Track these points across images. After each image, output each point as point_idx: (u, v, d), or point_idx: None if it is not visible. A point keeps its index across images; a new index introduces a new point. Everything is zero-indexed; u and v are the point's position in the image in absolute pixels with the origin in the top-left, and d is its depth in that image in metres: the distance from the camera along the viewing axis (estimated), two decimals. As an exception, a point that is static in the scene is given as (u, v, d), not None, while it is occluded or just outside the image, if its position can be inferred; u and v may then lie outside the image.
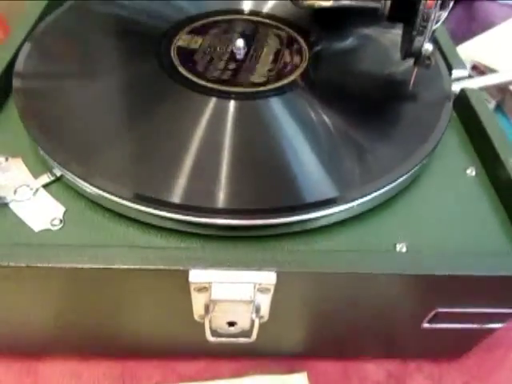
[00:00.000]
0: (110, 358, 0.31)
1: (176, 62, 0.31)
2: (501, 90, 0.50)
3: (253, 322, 0.24)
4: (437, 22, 0.27)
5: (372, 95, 0.31)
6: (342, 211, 0.24)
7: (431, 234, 0.25)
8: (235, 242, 0.24)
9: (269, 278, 0.22)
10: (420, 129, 0.29)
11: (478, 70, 0.55)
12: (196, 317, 0.25)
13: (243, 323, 0.25)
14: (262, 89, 0.29)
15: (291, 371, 0.31)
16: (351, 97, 0.30)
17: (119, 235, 0.25)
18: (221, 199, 0.24)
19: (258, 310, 0.24)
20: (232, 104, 0.28)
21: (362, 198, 0.25)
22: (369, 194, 0.25)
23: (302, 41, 0.34)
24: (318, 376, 0.31)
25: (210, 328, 0.25)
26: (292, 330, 0.28)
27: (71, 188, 0.26)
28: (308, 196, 0.24)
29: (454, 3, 0.71)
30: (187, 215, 0.23)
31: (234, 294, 0.22)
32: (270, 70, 0.31)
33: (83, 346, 0.30)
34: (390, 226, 0.26)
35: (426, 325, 0.27)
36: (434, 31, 0.27)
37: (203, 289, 0.22)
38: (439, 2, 0.26)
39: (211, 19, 0.35)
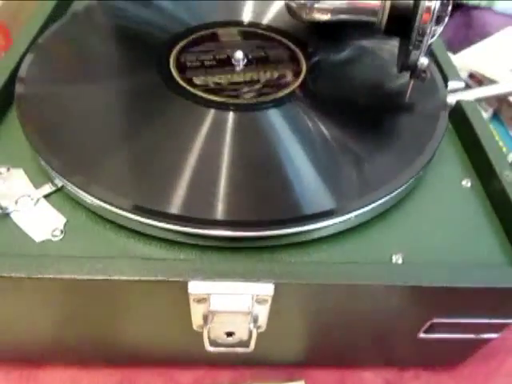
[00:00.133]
0: (109, 365, 0.31)
1: (175, 72, 0.31)
2: (498, 98, 0.51)
3: (251, 332, 0.25)
4: (432, 37, 0.27)
5: (368, 107, 0.31)
6: (339, 223, 0.25)
7: (427, 246, 0.26)
8: (234, 253, 0.24)
9: (266, 289, 0.22)
10: (416, 140, 0.29)
11: (475, 78, 0.56)
12: (195, 327, 0.25)
13: (241, 333, 0.25)
14: (260, 100, 0.30)
15: (289, 379, 0.31)
16: (348, 108, 0.31)
17: (119, 246, 0.25)
18: (219, 211, 0.24)
19: (255, 321, 0.24)
20: (231, 116, 0.29)
21: (359, 209, 0.25)
22: (366, 206, 0.25)
23: (299, 52, 0.34)
24: (316, 384, 0.31)
25: (209, 338, 0.25)
26: (290, 339, 0.29)
27: (72, 198, 0.26)
28: (306, 208, 0.24)
29: (452, 11, 0.71)
30: (186, 226, 0.23)
31: (233, 305, 0.22)
32: (269, 81, 0.31)
33: (83, 353, 0.30)
34: (385, 238, 0.26)
35: (422, 335, 0.27)
36: (429, 45, 0.27)
37: (202, 300, 0.23)
38: (435, 17, 0.26)
39: (210, 30, 0.35)
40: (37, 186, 0.27)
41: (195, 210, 0.24)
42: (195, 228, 0.23)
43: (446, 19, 0.27)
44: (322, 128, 0.29)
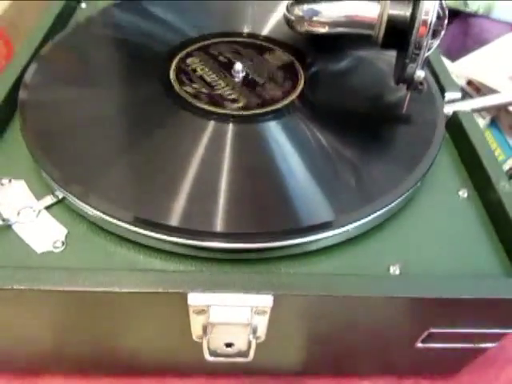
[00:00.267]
0: (109, 374, 0.31)
1: (175, 83, 0.32)
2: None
3: (250, 342, 0.25)
4: (429, 50, 0.27)
5: (366, 117, 0.31)
6: (337, 234, 0.25)
7: (424, 256, 0.26)
8: (233, 264, 0.25)
9: (265, 301, 0.23)
10: (414, 151, 0.29)
11: (473, 85, 0.56)
12: (194, 337, 0.25)
13: (240, 344, 0.25)
14: (259, 111, 0.30)
15: (288, 388, 0.31)
16: (346, 120, 0.31)
17: (120, 257, 0.25)
18: (219, 223, 0.24)
19: (254, 331, 0.24)
20: (230, 127, 0.29)
21: (357, 221, 0.25)
22: (364, 218, 0.25)
23: (298, 63, 0.35)
24: (315, 393, 0.31)
25: (209, 348, 0.25)
26: (288, 349, 0.29)
27: (73, 210, 0.27)
28: (305, 220, 0.25)
29: (449, 19, 0.72)
30: (186, 238, 0.24)
31: (232, 317, 0.23)
32: (267, 92, 0.32)
33: (83, 363, 0.30)
34: (383, 249, 0.26)
35: (419, 344, 0.28)
36: (426, 58, 0.28)
37: (202, 311, 0.23)
38: (431, 30, 0.26)
39: (210, 41, 0.36)
40: (38, 197, 0.27)
41: (195, 222, 0.24)
42: (195, 240, 0.24)
43: (442, 33, 0.28)
44: (321, 139, 0.29)
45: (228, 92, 0.31)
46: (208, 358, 0.26)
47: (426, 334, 0.27)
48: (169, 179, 0.26)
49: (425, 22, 0.26)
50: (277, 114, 0.30)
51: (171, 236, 0.24)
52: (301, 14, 0.31)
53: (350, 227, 0.25)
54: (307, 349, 0.29)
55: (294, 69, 0.34)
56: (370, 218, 0.26)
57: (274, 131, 0.29)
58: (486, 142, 0.30)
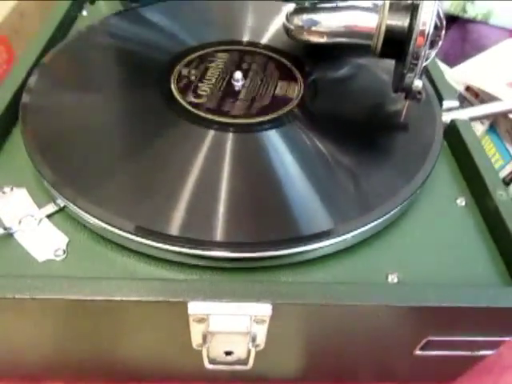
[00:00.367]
0: (110, 382, 0.31)
1: (175, 92, 0.32)
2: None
3: (249, 350, 0.25)
4: (426, 60, 0.28)
5: (365, 126, 0.32)
6: (336, 243, 0.25)
7: (422, 265, 0.26)
8: (232, 273, 0.25)
9: (264, 309, 0.23)
10: (412, 160, 0.29)
11: (472, 91, 0.56)
12: (194, 345, 0.25)
13: (240, 352, 0.25)
14: (259, 120, 0.30)
15: (287, 395, 0.32)
16: (345, 128, 0.31)
17: (121, 266, 0.25)
18: (219, 232, 0.24)
19: (254, 340, 0.24)
20: (230, 136, 0.29)
21: (356, 230, 0.25)
22: (363, 227, 0.26)
23: (297, 71, 0.35)
24: (314, 400, 0.32)
25: (208, 356, 0.25)
26: (288, 356, 0.29)
27: (74, 218, 0.27)
28: (305, 229, 0.25)
29: (448, 25, 0.72)
30: (186, 248, 0.24)
31: (231, 325, 0.23)
32: (267, 101, 0.32)
33: (84, 370, 0.31)
34: (381, 257, 0.26)
35: (418, 352, 0.28)
36: (424, 68, 0.28)
37: (202, 320, 0.23)
38: (429, 41, 0.27)
39: (210, 50, 0.36)
40: (40, 205, 0.28)
41: (195, 231, 0.24)
42: (195, 249, 0.24)
43: (440, 43, 0.28)
44: (320, 148, 0.29)
45: (228, 101, 0.32)
46: (208, 365, 0.26)
47: (424, 341, 0.27)
48: (169, 188, 0.26)
49: (422, 33, 0.27)
50: (277, 123, 0.30)
51: (171, 245, 0.24)
52: (300, 23, 0.32)
53: (348, 236, 0.25)
54: (306, 356, 0.29)
55: (293, 77, 0.34)
56: (369, 226, 0.26)
57: (274, 140, 0.29)
58: (483, 150, 0.31)
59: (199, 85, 0.33)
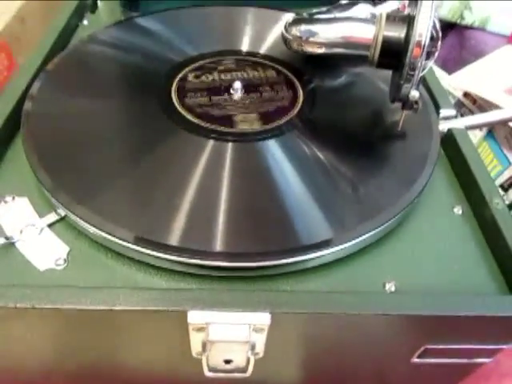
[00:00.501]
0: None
1: (176, 102, 0.32)
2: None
3: (248, 359, 0.25)
4: (423, 70, 0.28)
5: (363, 136, 0.32)
6: (335, 252, 0.26)
7: (419, 273, 0.27)
8: (232, 282, 0.25)
9: (263, 318, 0.23)
10: (410, 169, 0.30)
11: (470, 97, 0.57)
12: (194, 354, 0.26)
13: (239, 360, 0.26)
14: (259, 130, 0.31)
15: (286, 402, 0.32)
16: (344, 138, 0.32)
17: (121, 275, 0.26)
18: (219, 242, 0.25)
19: (253, 348, 0.25)
20: (230, 146, 0.30)
21: (355, 239, 0.26)
22: (361, 236, 0.26)
23: (296, 80, 0.35)
24: (313, 407, 0.32)
25: (208, 365, 0.26)
26: (286, 364, 0.29)
27: (75, 227, 0.27)
28: (304, 238, 0.25)
29: (446, 31, 0.72)
30: (186, 257, 0.24)
31: (230, 334, 0.23)
32: (266, 110, 0.32)
33: (84, 378, 0.31)
34: (378, 265, 0.27)
35: (416, 360, 0.28)
36: (420, 79, 0.28)
37: (201, 328, 0.23)
38: (425, 52, 0.27)
39: (210, 60, 0.36)
40: (41, 214, 0.28)
41: (195, 241, 0.25)
42: (194, 259, 0.24)
43: (436, 54, 0.28)
44: (319, 157, 0.30)
45: (227, 110, 0.32)
46: (207, 373, 0.26)
47: (421, 349, 0.27)
48: (169, 198, 0.27)
49: (419, 44, 0.27)
50: (276, 132, 0.31)
51: (171, 255, 0.24)
52: (298, 34, 0.32)
53: (347, 245, 0.26)
54: (305, 364, 0.29)
55: (292, 87, 0.35)
56: (367, 235, 0.26)
57: (274, 149, 0.30)
58: (479, 159, 0.31)
59: (199, 94, 0.33)
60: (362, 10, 0.33)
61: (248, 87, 0.34)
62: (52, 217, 0.28)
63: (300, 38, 0.32)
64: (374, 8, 0.34)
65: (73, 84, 0.35)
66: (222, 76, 0.35)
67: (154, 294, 0.23)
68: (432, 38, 0.28)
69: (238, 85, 0.33)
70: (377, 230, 0.26)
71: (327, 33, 0.31)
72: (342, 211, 0.27)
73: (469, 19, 0.67)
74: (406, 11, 0.31)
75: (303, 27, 0.32)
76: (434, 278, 0.26)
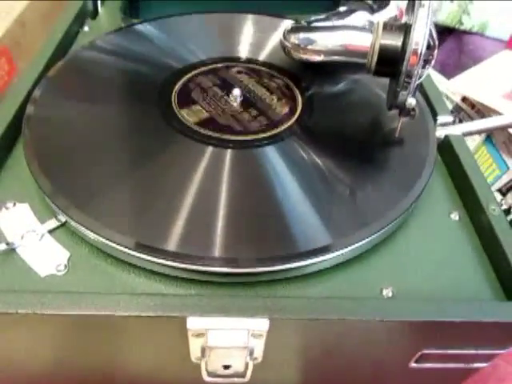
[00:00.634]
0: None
1: (176, 109, 0.33)
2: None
3: (247, 364, 0.26)
4: (419, 78, 0.28)
5: (361, 142, 0.32)
6: (332, 258, 0.26)
7: (416, 279, 0.27)
8: (230, 288, 0.26)
9: (262, 324, 0.23)
10: (407, 175, 0.30)
11: (468, 101, 0.57)
12: (193, 359, 0.26)
13: (238, 366, 0.26)
14: (258, 137, 0.31)
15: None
16: (342, 144, 0.32)
17: (121, 280, 0.26)
18: (217, 248, 0.25)
19: (251, 353, 0.25)
20: (229, 153, 0.30)
21: (353, 245, 0.26)
22: (359, 242, 0.26)
23: (295, 87, 0.36)
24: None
25: (207, 370, 0.26)
26: (285, 369, 0.29)
27: (75, 233, 0.27)
28: (302, 244, 0.26)
29: (445, 36, 0.73)
30: (185, 263, 0.24)
31: (229, 340, 0.23)
32: (265, 117, 0.33)
33: (84, 382, 0.31)
34: (376, 271, 0.27)
35: (413, 364, 0.28)
36: (417, 86, 0.29)
37: (200, 334, 0.24)
38: (421, 60, 0.27)
39: (209, 67, 0.37)
40: (42, 220, 0.28)
41: (194, 247, 0.25)
42: (193, 265, 0.24)
43: (433, 62, 0.29)
44: (318, 164, 0.30)
45: (226, 117, 0.32)
46: (206, 378, 0.26)
47: (419, 354, 0.27)
48: (168, 204, 0.27)
49: (415, 52, 0.27)
50: (275, 139, 0.31)
51: (171, 261, 0.25)
52: (297, 42, 0.32)
53: (345, 251, 0.26)
54: (303, 369, 0.29)
55: (291, 93, 0.35)
56: (364, 241, 0.26)
57: (273, 156, 0.30)
58: (476, 165, 0.31)
59: (199, 101, 0.34)
60: (360, 17, 0.33)
61: (247, 94, 0.34)
62: (53, 223, 0.28)
63: (298, 45, 0.32)
64: (372, 15, 0.34)
65: (74, 90, 0.35)
66: (221, 83, 0.35)
67: (153, 300, 0.23)
68: (429, 47, 0.28)
69: (237, 92, 0.33)
70: (374, 235, 0.27)
71: (325, 41, 0.31)
72: (340, 217, 0.27)
73: (467, 24, 0.68)
74: (404, 18, 0.32)
75: (302, 35, 0.32)
76: (430, 283, 0.27)
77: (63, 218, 0.28)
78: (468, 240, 0.29)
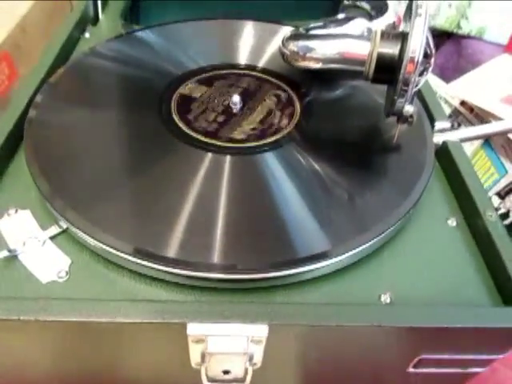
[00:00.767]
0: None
1: (175, 115, 0.33)
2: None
3: (246, 369, 0.26)
4: (417, 86, 0.29)
5: (359, 148, 0.33)
6: (331, 264, 0.26)
7: (414, 285, 0.27)
8: (230, 294, 0.26)
9: (261, 330, 0.23)
10: (405, 181, 0.30)
11: (467, 105, 0.57)
12: (193, 364, 0.26)
13: (237, 371, 0.26)
14: (257, 143, 0.31)
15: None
16: (340, 150, 0.32)
17: (121, 286, 0.26)
18: (217, 254, 0.25)
19: (251, 359, 0.25)
20: (228, 159, 0.30)
21: (351, 251, 0.26)
22: (358, 247, 0.26)
23: (294, 94, 0.36)
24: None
25: (207, 375, 0.26)
26: (284, 374, 0.30)
27: (76, 240, 0.28)
28: (302, 251, 0.26)
29: (443, 40, 0.73)
30: (184, 270, 0.25)
31: (229, 346, 0.24)
32: (265, 124, 0.33)
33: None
34: (374, 277, 0.27)
35: (411, 369, 0.28)
36: (414, 94, 0.29)
37: (200, 340, 0.24)
38: (418, 68, 0.28)
39: (208, 74, 0.37)
40: (44, 226, 0.29)
41: (193, 253, 0.25)
42: (193, 271, 0.25)
43: (430, 69, 0.29)
44: (316, 170, 0.30)
45: (226, 123, 0.33)
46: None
47: (417, 359, 0.27)
48: (168, 211, 0.27)
49: (412, 60, 0.28)
50: (274, 146, 0.31)
51: (170, 267, 0.25)
52: (295, 49, 0.33)
53: (343, 257, 0.26)
54: (302, 374, 0.30)
55: (290, 100, 0.35)
56: (362, 247, 0.27)
57: (272, 163, 0.30)
58: (473, 171, 0.31)
59: (198, 108, 0.34)
60: (359, 24, 0.34)
61: (246, 100, 0.35)
62: (54, 229, 0.28)
63: (297, 53, 0.33)
64: (370, 22, 0.34)
65: (75, 97, 0.35)
66: (221, 89, 0.36)
67: (154, 306, 0.24)
68: (426, 55, 0.28)
69: (236, 98, 0.34)
70: (372, 241, 0.27)
71: (324, 49, 0.31)
72: (339, 223, 0.28)
73: (466, 28, 0.68)
74: (401, 25, 0.32)
75: (300, 43, 0.32)
76: (428, 289, 0.27)
77: (64, 225, 0.28)
78: (465, 246, 0.29)
